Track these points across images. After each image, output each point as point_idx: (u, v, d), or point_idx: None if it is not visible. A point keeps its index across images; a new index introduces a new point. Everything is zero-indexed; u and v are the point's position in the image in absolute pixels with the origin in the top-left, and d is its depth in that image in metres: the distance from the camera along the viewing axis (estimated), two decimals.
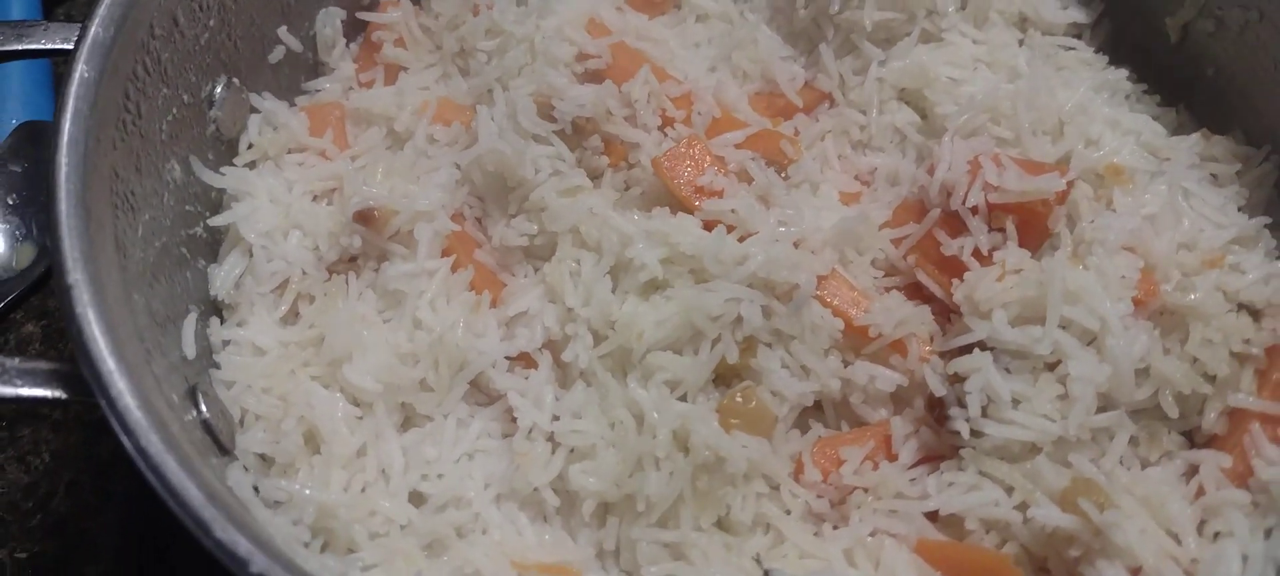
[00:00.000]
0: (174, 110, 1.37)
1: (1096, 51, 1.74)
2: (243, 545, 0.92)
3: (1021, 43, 1.72)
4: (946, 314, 1.43)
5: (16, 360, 1.09)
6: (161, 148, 1.34)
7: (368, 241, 1.46)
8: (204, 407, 1.23)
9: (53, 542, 1.60)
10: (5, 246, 1.82)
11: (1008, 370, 1.30)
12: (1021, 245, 1.40)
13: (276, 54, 1.61)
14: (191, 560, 1.25)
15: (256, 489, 1.22)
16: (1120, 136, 1.55)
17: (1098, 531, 1.18)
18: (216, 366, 1.35)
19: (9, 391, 1.06)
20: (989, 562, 1.21)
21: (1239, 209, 1.50)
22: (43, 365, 1.11)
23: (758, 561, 1.21)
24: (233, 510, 0.97)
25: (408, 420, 1.39)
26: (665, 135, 1.57)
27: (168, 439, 0.98)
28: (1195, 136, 1.59)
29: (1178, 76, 1.71)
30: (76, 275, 1.05)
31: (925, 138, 1.62)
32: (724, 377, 1.37)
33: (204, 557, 1.21)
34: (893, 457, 1.33)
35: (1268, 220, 1.45)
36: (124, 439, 0.97)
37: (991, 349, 1.32)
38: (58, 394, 1.08)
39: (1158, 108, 1.70)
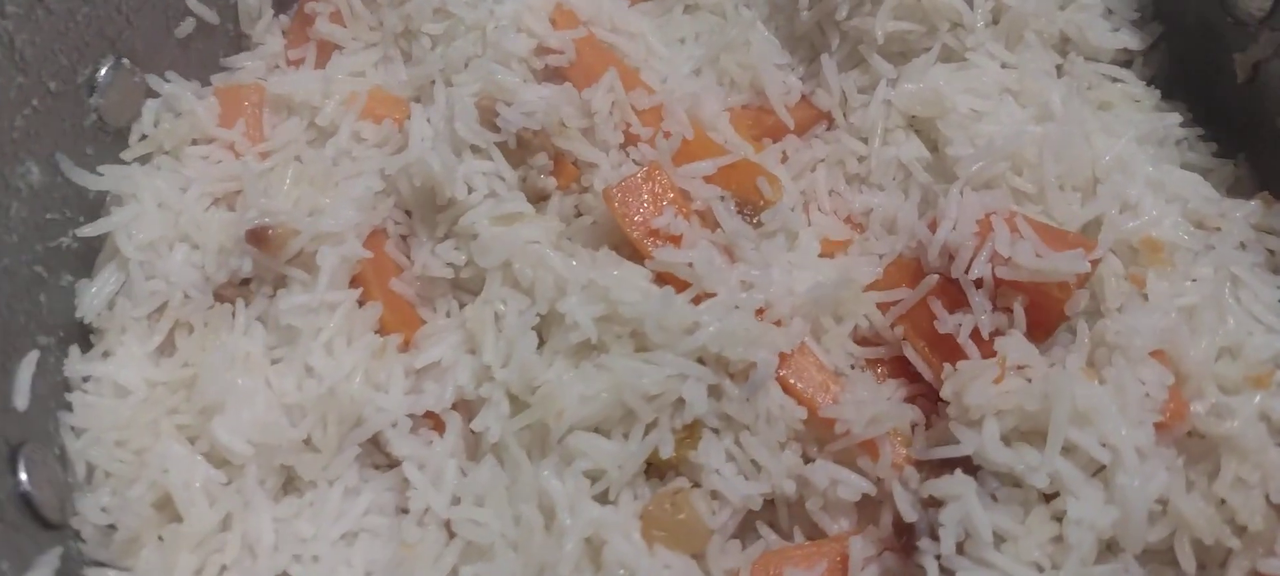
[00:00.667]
0: (34, 101, 1.17)
1: (1148, 85, 1.48)
2: None
3: (1060, 69, 1.47)
4: (933, 400, 1.20)
5: None
6: (11, 147, 1.14)
7: (261, 264, 1.25)
8: (24, 475, 1.03)
9: None
10: None
11: (994, 497, 1.08)
12: (1029, 334, 1.18)
13: (185, 27, 1.40)
14: None
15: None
16: (1164, 203, 1.30)
17: None
18: (68, 409, 1.16)
19: None
20: None
21: None
22: None
23: None
24: None
25: (287, 483, 1.20)
26: (626, 155, 1.35)
27: None
28: (1254, 202, 1.34)
29: (1241, 122, 1.46)
30: None
31: (933, 178, 1.38)
32: (658, 469, 1.16)
33: None
34: None
35: None
36: None
37: (978, 468, 1.09)
38: None
39: (1212, 158, 1.45)
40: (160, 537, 1.10)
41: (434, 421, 1.22)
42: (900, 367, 1.25)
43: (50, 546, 1.02)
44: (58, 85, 1.20)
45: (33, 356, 1.12)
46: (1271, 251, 1.32)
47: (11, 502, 1.02)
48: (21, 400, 1.08)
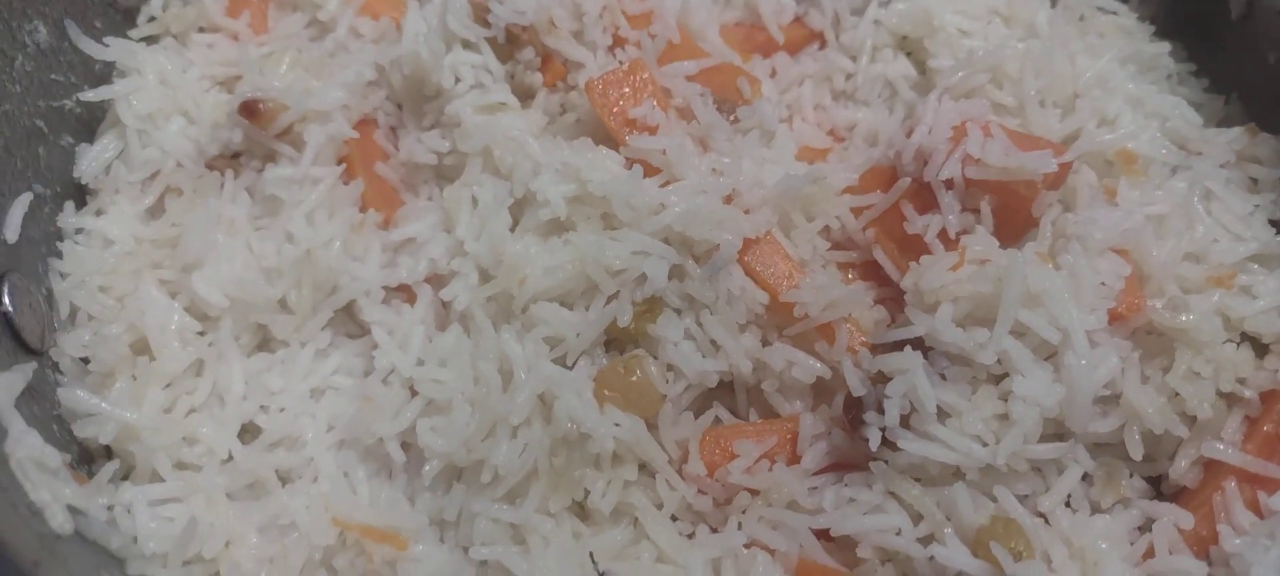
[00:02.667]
0: None
1: (1141, 20, 1.49)
2: None
3: (1054, 1, 1.48)
4: (900, 304, 1.21)
5: None
6: (20, 4, 1.19)
7: (251, 138, 1.30)
8: (7, 301, 1.08)
9: None
10: None
11: (944, 376, 1.09)
12: (996, 232, 1.18)
13: None
14: None
15: (47, 398, 1.08)
16: (1142, 118, 1.31)
17: None
18: (58, 256, 1.21)
19: None
20: None
21: (1272, 223, 1.25)
22: None
23: (592, 559, 1.02)
24: None
25: (262, 343, 1.24)
26: (613, 57, 1.38)
27: None
28: (1238, 130, 1.33)
29: (1235, 60, 1.45)
30: None
31: (919, 95, 1.39)
32: (618, 342, 1.18)
33: None
34: (795, 459, 1.13)
35: None
36: None
37: (929, 349, 1.10)
38: None
39: (1203, 94, 1.44)
40: (134, 377, 1.14)
41: (407, 294, 1.26)
42: (871, 271, 1.26)
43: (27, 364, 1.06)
44: None
45: (26, 198, 1.17)
46: (1254, 179, 1.31)
47: None
48: (11, 233, 1.13)
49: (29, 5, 1.22)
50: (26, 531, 0.87)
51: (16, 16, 1.20)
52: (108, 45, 1.32)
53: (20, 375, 1.02)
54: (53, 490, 0.94)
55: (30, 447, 0.96)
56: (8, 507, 0.87)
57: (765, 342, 1.19)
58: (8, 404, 0.97)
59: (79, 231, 1.24)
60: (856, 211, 1.27)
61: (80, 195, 1.28)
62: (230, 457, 1.13)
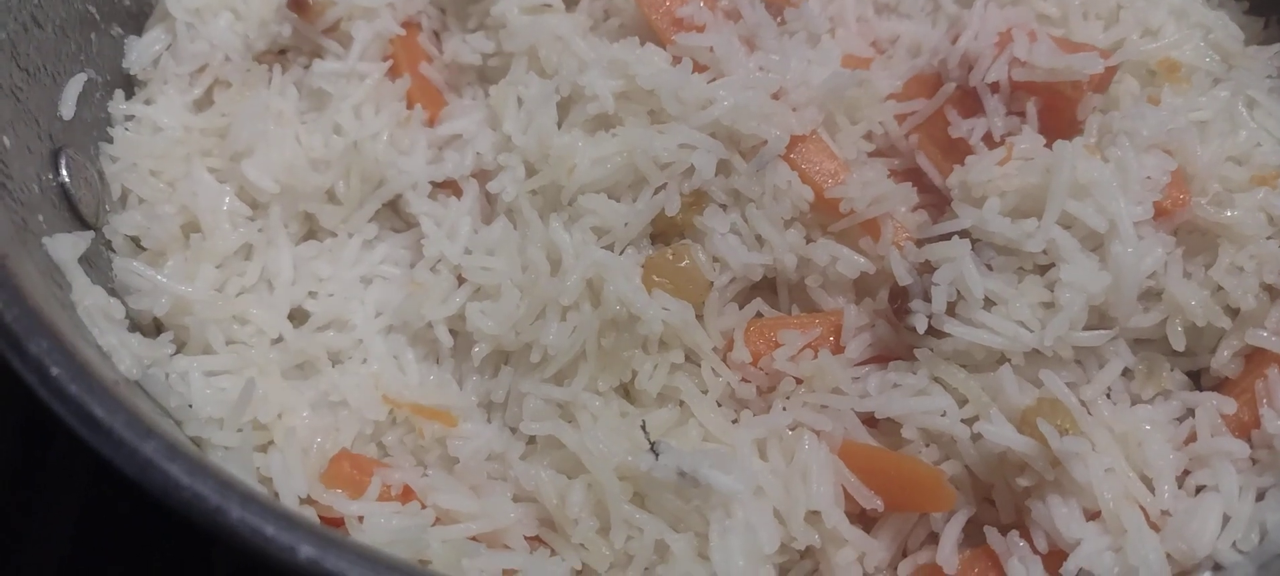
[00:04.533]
0: None
1: None
2: None
3: None
4: (942, 210, 1.22)
5: None
6: None
7: (300, 32, 1.31)
8: (65, 173, 1.10)
9: None
10: None
11: (990, 266, 1.10)
12: (1042, 133, 1.19)
13: None
14: None
15: (104, 267, 1.10)
16: (1186, 29, 1.32)
17: (1055, 461, 0.98)
18: (108, 141, 1.22)
19: None
20: (918, 475, 1.02)
21: None
22: None
23: (644, 431, 1.03)
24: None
25: (309, 232, 1.25)
26: None
27: None
28: (1278, 47, 1.34)
29: None
30: None
31: (961, 8, 1.39)
32: (664, 235, 1.19)
33: None
34: (839, 349, 1.14)
35: None
36: None
37: (976, 241, 1.11)
38: None
39: (1244, 15, 1.45)
40: (186, 256, 1.16)
41: (452, 189, 1.27)
42: (913, 177, 1.27)
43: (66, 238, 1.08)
44: None
45: (80, 78, 1.18)
46: None
47: (53, 192, 1.08)
48: (67, 110, 1.15)
49: None
50: (104, 366, 0.88)
51: None
52: None
53: (82, 238, 1.03)
54: (119, 337, 0.96)
55: (97, 297, 0.98)
56: (84, 344, 0.88)
57: (809, 239, 1.20)
58: (71, 260, 0.99)
59: (129, 118, 1.26)
60: (900, 118, 1.28)
61: (128, 85, 1.30)
62: (280, 338, 1.15)
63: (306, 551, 0.68)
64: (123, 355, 0.95)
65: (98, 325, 0.96)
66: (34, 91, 1.10)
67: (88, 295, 0.98)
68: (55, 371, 0.74)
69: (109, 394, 0.74)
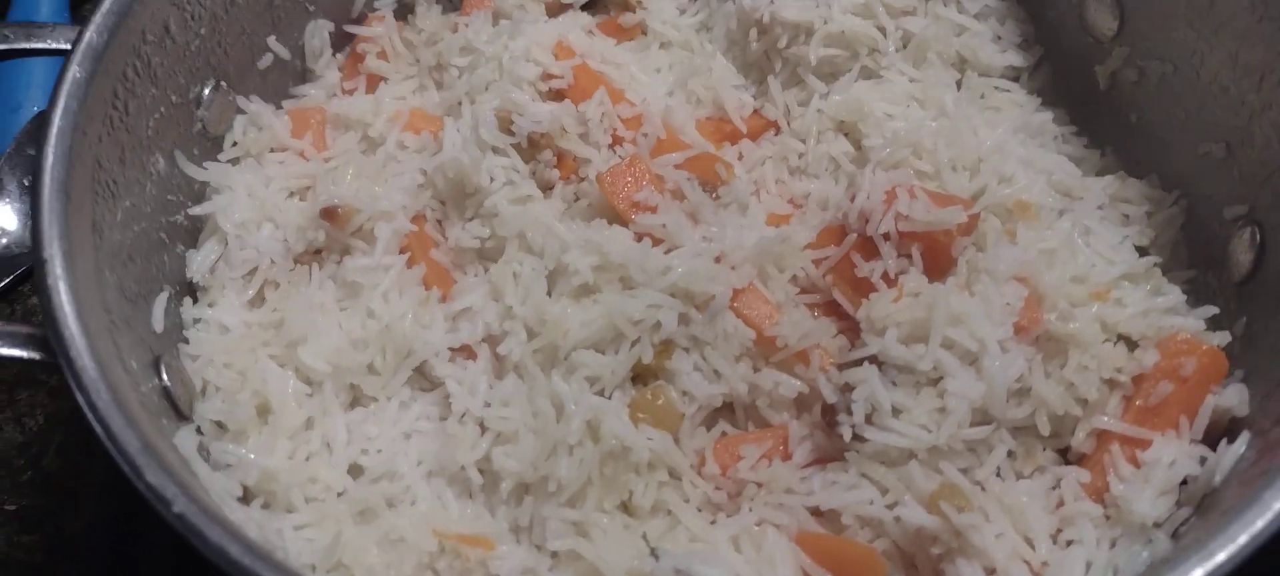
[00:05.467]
0: (161, 109, 1.53)
1: (1031, 94, 1.85)
2: (169, 488, 1.06)
3: (959, 83, 1.83)
4: (857, 333, 1.54)
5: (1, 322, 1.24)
6: (147, 142, 1.50)
7: (331, 236, 1.61)
8: (165, 377, 1.38)
9: (40, 497, 1.76)
10: (19, 224, 1.99)
11: (894, 383, 1.41)
12: (925, 271, 1.51)
13: (265, 61, 1.77)
14: (162, 521, 1.40)
15: (206, 453, 1.37)
16: (1032, 175, 1.65)
17: (957, 532, 1.29)
18: (185, 342, 1.50)
19: None
20: (857, 554, 1.33)
21: (1139, 248, 1.60)
22: (23, 328, 1.26)
23: (645, 539, 1.34)
24: (168, 462, 1.12)
25: (355, 400, 1.54)
26: (614, 153, 1.71)
27: (117, 397, 1.13)
28: (1109, 178, 1.70)
29: (1107, 121, 1.81)
30: (51, 251, 1.21)
31: (857, 168, 1.73)
32: (642, 377, 1.50)
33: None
34: (787, 457, 1.45)
35: (1158, 259, 1.55)
36: (77, 394, 1.13)
37: (882, 363, 1.44)
38: (32, 354, 1.23)
39: (1084, 149, 1.80)
40: (261, 434, 1.44)
41: (467, 352, 1.56)
42: (832, 309, 1.57)
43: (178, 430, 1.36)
44: (177, 98, 1.56)
45: (164, 296, 1.47)
46: (1126, 215, 1.68)
47: (158, 394, 1.35)
48: (158, 324, 1.43)
49: (151, 143, 1.52)
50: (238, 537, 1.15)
51: (146, 152, 1.50)
52: (206, 169, 1.63)
53: (191, 432, 1.31)
54: (245, 513, 1.23)
55: (218, 481, 1.25)
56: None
57: (755, 369, 1.51)
58: (193, 452, 1.27)
59: (197, 321, 1.54)
60: (816, 263, 1.59)
61: (193, 292, 1.58)
62: (344, 491, 1.43)
63: None
64: (251, 526, 1.23)
65: (227, 504, 1.24)
66: (136, 314, 1.39)
67: (213, 481, 1.25)
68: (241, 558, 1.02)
69: (276, 565, 1.02)
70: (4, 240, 1.98)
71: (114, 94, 1.42)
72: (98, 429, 1.11)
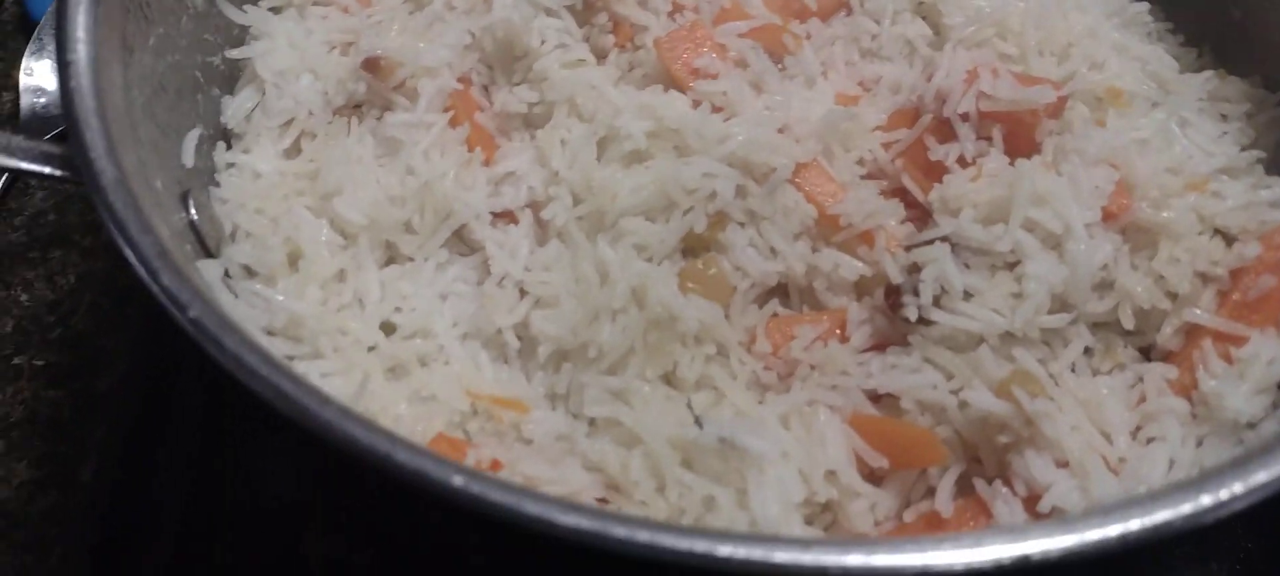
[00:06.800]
0: None
1: None
2: (186, 293, 0.99)
3: None
4: (926, 220, 1.44)
5: (20, 137, 1.18)
6: None
7: (373, 89, 1.53)
8: (194, 212, 1.31)
9: (69, 354, 1.72)
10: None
11: (967, 265, 1.31)
12: (1007, 154, 1.41)
13: None
14: (193, 380, 1.35)
15: (232, 289, 1.30)
16: (1126, 62, 1.54)
17: (1028, 420, 1.19)
18: (216, 185, 1.44)
19: (8, 161, 1.15)
20: (915, 437, 1.23)
21: (1240, 147, 1.49)
22: (46, 146, 1.20)
23: (690, 408, 1.25)
24: (187, 273, 1.04)
25: (390, 258, 1.46)
26: (673, 21, 1.61)
27: (136, 204, 1.06)
28: (1208, 73, 1.58)
29: (1204, 17, 1.69)
30: (75, 54, 1.14)
31: (934, 51, 1.62)
32: (693, 249, 1.41)
33: (205, 376, 1.31)
34: (845, 340, 1.35)
35: (1262, 154, 1.44)
36: (93, 196, 1.05)
37: (955, 245, 1.33)
38: (51, 171, 1.17)
39: (1179, 47, 1.68)
40: (290, 279, 1.37)
41: (509, 217, 1.48)
42: (900, 195, 1.48)
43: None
44: None
45: (196, 133, 1.40)
46: (1223, 115, 1.55)
47: (186, 227, 1.29)
48: (188, 159, 1.36)
49: None
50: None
51: None
52: (246, 11, 1.55)
53: (217, 264, 1.25)
54: (267, 341, 1.17)
55: (242, 311, 1.19)
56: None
57: (815, 249, 1.42)
58: (217, 282, 1.20)
59: (230, 165, 1.47)
60: (886, 146, 1.50)
61: (227, 138, 1.51)
62: (375, 347, 1.35)
63: (458, 480, 0.89)
64: (274, 352, 1.16)
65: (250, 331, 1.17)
66: (167, 144, 1.32)
67: (235, 309, 1.19)
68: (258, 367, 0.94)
69: (288, 375, 0.95)
70: (43, 100, 1.93)
71: None
72: (113, 231, 1.03)
